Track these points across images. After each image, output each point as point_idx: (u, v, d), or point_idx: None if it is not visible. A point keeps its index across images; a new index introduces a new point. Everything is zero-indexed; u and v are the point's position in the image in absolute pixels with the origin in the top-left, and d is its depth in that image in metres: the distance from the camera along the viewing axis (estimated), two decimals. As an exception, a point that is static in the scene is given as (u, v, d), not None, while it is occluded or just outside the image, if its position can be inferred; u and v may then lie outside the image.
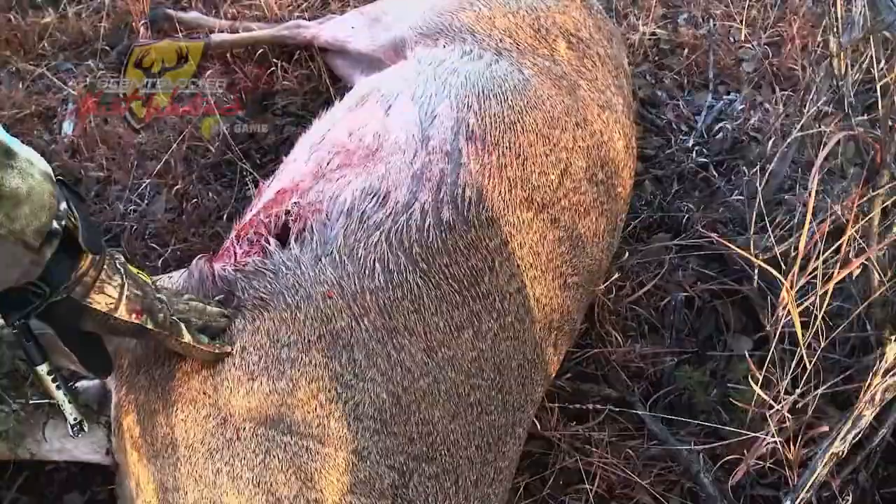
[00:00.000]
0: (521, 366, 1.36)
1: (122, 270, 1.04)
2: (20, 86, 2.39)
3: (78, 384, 1.45)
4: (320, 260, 1.27)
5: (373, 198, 1.35)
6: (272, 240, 1.33)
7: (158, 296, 1.10)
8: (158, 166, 2.07)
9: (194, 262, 1.36)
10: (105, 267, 1.01)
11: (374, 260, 1.27)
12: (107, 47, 2.55)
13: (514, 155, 1.46)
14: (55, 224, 0.92)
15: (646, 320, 1.77)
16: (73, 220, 0.96)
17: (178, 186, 2.01)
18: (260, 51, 2.36)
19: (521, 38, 1.74)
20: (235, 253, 1.37)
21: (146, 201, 2.01)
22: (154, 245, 1.87)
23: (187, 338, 1.11)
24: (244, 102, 2.29)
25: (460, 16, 1.81)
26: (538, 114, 1.54)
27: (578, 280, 1.52)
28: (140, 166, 2.12)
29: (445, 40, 1.77)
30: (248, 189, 2.03)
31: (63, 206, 0.94)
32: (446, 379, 1.24)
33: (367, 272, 1.26)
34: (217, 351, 1.15)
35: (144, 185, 2.05)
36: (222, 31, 2.47)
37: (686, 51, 2.42)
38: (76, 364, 1.22)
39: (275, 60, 2.32)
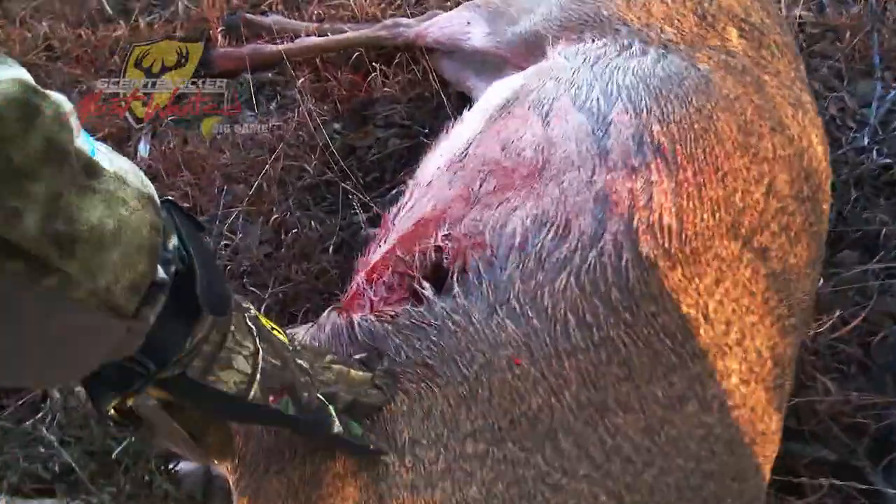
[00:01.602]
0: (753, 441, 1.05)
1: (254, 330, 0.77)
2: (91, 106, 2.17)
3: (178, 467, 1.20)
4: (496, 311, 0.99)
5: (549, 228, 1.07)
6: (427, 285, 1.05)
7: (300, 362, 0.83)
8: (250, 192, 1.82)
9: (325, 314, 1.10)
10: (233, 330, 0.74)
11: (566, 310, 0.99)
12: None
13: (712, 170, 1.16)
14: (160, 273, 0.64)
15: (854, 360, 1.45)
16: (186, 261, 0.68)
17: (274, 216, 1.75)
18: (355, 54, 2.10)
19: (684, 26, 1.44)
20: (371, 301, 1.10)
21: (238, 233, 1.75)
22: (252, 287, 1.61)
23: (337, 427, 0.83)
24: (340, 113, 2.03)
25: (608, 2, 1.52)
26: (730, 118, 1.24)
27: (795, 322, 1.21)
28: (228, 192, 1.86)
29: (593, 33, 1.48)
30: (356, 214, 1.76)
31: (173, 241, 0.67)
32: (674, 468, 0.94)
33: (558, 327, 0.97)
34: (373, 447, 0.87)
35: (234, 214, 1.79)
36: (309, 35, 2.22)
37: (848, 34, 2.08)
38: (179, 444, 0.96)
39: (373, 65, 2.05)
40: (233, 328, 0.73)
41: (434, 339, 0.97)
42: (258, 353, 0.76)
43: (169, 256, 0.65)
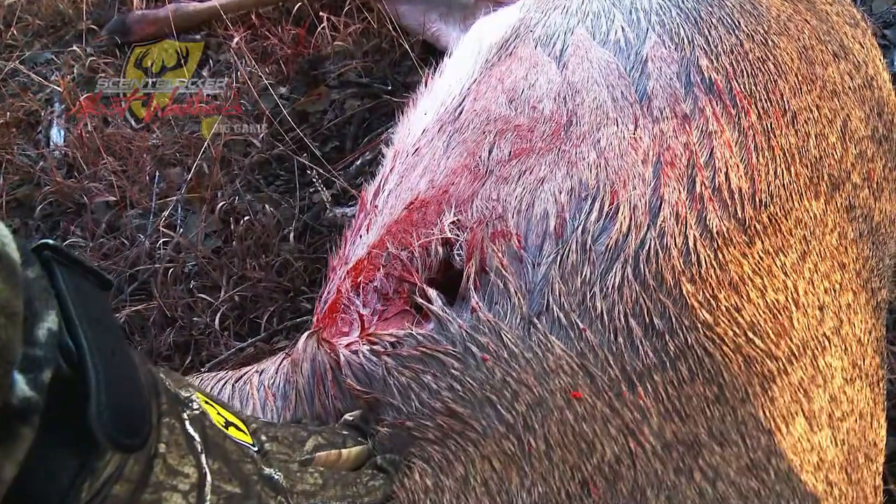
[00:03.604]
0: (867, 458, 0.82)
1: (197, 441, 0.49)
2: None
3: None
4: (534, 325, 0.73)
5: (591, 203, 0.80)
6: (433, 293, 0.79)
7: (268, 472, 0.55)
8: (188, 176, 1.51)
9: (301, 342, 0.82)
10: (163, 451, 0.47)
11: (626, 314, 0.73)
12: (94, 26, 1.97)
13: (778, 110, 0.91)
14: (20, 388, 0.36)
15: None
16: (74, 357, 0.40)
17: (220, 203, 1.45)
18: (297, 6, 1.78)
19: (706, -65, 1.17)
20: (360, 317, 0.83)
21: (179, 227, 1.45)
22: (202, 294, 1.32)
23: None
24: (286, 75, 1.72)
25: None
26: (788, 43, 0.99)
27: (885, 295, 0.98)
28: (161, 178, 1.56)
29: (595, -49, 1.20)
30: (316, 191, 1.48)
31: (48, 324, 0.39)
32: (793, 519, 0.70)
33: (621, 339, 0.72)
34: None
35: (172, 203, 1.49)
36: (241, -13, 1.89)
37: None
38: None
39: (319, 15, 1.74)
40: (163, 448, 0.45)
41: (456, 372, 0.71)
42: (204, 482, 0.48)
43: (38, 355, 0.36)
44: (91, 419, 0.39)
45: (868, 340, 0.88)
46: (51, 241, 0.44)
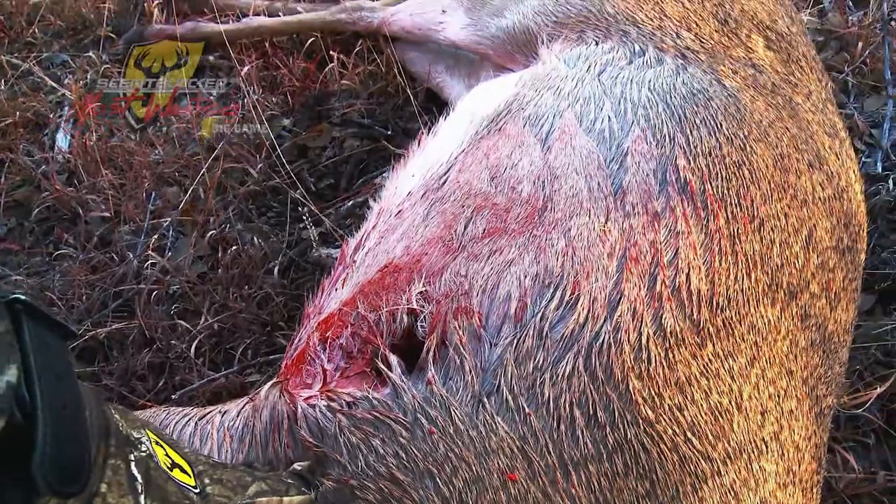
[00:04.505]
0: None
1: (138, 482, 0.54)
2: (1, 85, 1.87)
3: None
4: (483, 405, 0.77)
5: (553, 291, 0.84)
6: (394, 360, 0.82)
7: None
8: (183, 198, 1.55)
9: (264, 390, 0.86)
10: (104, 490, 0.51)
11: (571, 404, 0.77)
12: (112, 34, 2.02)
13: (746, 217, 0.95)
14: None
15: (875, 429, 1.27)
16: (27, 408, 0.45)
17: (212, 232, 1.49)
18: (310, 40, 1.83)
19: (704, 32, 1.23)
20: (324, 372, 0.87)
21: (168, 250, 1.49)
22: (181, 319, 1.35)
23: None
24: (291, 107, 1.77)
25: (612, -1, 1.29)
26: (765, 150, 1.03)
27: (831, 402, 1.02)
28: (158, 196, 1.60)
29: (596, 34, 1.26)
30: (305, 228, 1.51)
31: (8, 377, 0.44)
32: None
33: (563, 428, 0.76)
34: None
35: (164, 224, 1.53)
36: (258, 14, 1.94)
37: (860, 44, 1.89)
38: None
39: (330, 53, 1.79)
40: (104, 488, 0.49)
41: (403, 441, 0.74)
42: None
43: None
44: (34, 468, 0.43)
45: (806, 447, 0.92)
46: (22, 296, 0.48)
